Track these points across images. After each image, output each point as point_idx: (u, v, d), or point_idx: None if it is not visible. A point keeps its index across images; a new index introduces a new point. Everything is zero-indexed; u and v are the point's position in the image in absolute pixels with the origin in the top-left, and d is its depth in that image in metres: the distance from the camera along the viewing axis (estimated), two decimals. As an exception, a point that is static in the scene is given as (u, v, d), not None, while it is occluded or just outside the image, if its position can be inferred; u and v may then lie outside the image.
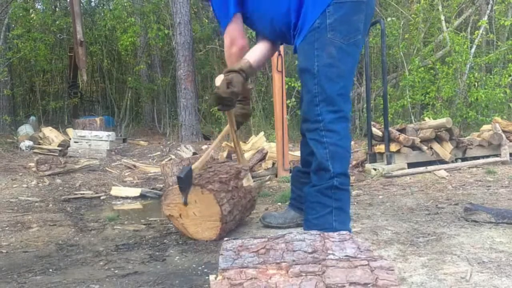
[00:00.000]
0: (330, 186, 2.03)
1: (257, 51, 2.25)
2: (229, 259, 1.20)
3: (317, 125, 2.03)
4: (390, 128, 4.32)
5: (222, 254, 1.23)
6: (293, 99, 7.57)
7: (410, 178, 3.96)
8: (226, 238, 1.34)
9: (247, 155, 4.57)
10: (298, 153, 4.50)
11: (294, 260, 1.18)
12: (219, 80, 2.08)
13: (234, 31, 2.18)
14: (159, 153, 6.71)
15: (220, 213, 2.26)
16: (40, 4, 12.43)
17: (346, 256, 1.19)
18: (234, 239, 1.31)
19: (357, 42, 2.06)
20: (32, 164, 4.94)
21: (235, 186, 2.47)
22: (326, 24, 1.98)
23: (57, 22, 10.73)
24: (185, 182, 2.21)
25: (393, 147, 4.26)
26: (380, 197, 3.32)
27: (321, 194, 2.04)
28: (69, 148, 6.14)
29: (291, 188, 2.58)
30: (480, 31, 7.57)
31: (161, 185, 4.03)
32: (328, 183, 2.02)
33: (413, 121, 6.98)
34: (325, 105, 2.01)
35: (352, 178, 3.91)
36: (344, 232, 1.33)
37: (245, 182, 2.59)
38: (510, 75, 6.96)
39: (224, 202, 2.30)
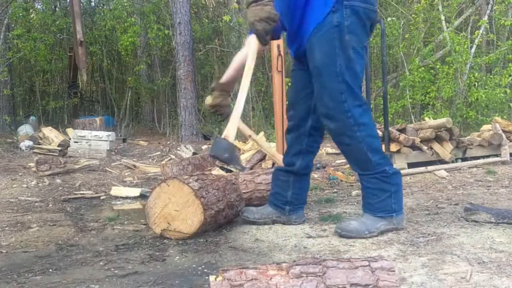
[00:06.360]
0: (382, 172, 2.21)
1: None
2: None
3: (349, 121, 2.19)
4: (390, 128, 4.31)
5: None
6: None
7: (410, 178, 3.95)
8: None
9: (247, 155, 4.57)
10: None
11: (294, 261, 1.18)
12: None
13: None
14: (159, 153, 6.71)
15: (191, 190, 2.30)
16: (40, 4, 12.42)
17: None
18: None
19: (364, 47, 2.30)
20: (32, 164, 4.94)
21: (201, 173, 2.58)
22: (344, 25, 2.16)
23: (57, 22, 10.71)
24: (228, 156, 2.22)
25: (393, 147, 4.26)
26: (380, 197, 3.32)
27: (381, 181, 2.22)
28: (69, 148, 6.13)
29: (271, 185, 2.64)
30: (480, 31, 7.57)
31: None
32: (377, 169, 2.21)
33: (413, 121, 6.98)
34: (352, 101, 2.18)
35: (352, 178, 3.91)
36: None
37: (214, 172, 2.64)
38: (510, 75, 6.96)
39: (190, 181, 2.35)
